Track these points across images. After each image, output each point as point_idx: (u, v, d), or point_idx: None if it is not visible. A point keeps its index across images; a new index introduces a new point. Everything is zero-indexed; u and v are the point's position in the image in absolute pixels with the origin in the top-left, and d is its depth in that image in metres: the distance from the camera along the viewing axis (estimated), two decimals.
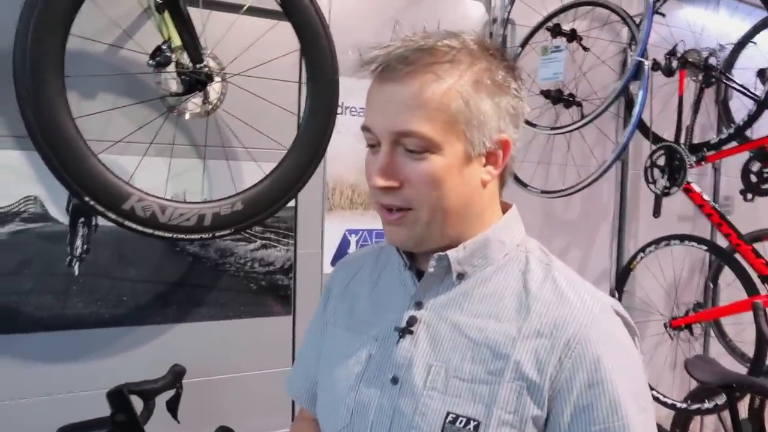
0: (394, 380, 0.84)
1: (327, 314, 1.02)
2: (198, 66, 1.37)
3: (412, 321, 0.86)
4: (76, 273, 1.56)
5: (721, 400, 2.21)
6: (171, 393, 1.52)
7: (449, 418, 0.78)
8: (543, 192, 2.18)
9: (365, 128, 0.84)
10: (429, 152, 0.79)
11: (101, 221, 1.54)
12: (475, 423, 0.77)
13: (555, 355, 0.77)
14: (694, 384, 2.44)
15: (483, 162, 0.83)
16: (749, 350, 2.76)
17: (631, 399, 0.77)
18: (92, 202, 1.29)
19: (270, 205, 1.51)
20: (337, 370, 0.91)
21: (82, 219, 1.56)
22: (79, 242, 1.57)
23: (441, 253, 0.84)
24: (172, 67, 1.40)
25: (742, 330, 2.86)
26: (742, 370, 2.47)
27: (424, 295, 0.87)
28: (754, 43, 2.68)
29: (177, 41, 1.37)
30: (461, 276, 0.86)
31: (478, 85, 0.79)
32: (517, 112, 0.84)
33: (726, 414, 2.47)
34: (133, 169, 1.53)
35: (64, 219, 1.54)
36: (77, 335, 1.57)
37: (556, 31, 2.11)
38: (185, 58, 1.40)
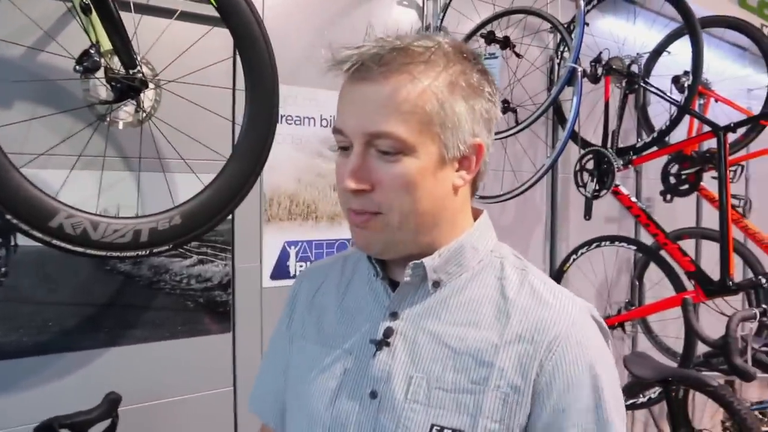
0: (373, 394, 0.81)
1: (293, 327, 0.97)
2: (131, 72, 1.29)
3: (388, 332, 0.83)
4: None
5: (654, 393, 2.30)
6: (106, 423, 1.42)
7: (434, 430, 0.76)
8: (481, 198, 2.21)
9: (337, 131, 0.81)
10: (402, 154, 0.77)
11: (21, 240, 1.42)
12: None
13: (537, 359, 0.77)
14: (625, 380, 2.54)
15: (456, 167, 0.82)
16: (673, 344, 2.91)
17: (606, 402, 0.77)
18: (15, 220, 1.18)
19: (210, 218, 1.43)
20: (309, 386, 0.87)
21: None
22: None
23: (416, 261, 0.82)
24: (101, 73, 1.31)
25: (666, 326, 3.01)
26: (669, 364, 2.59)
27: (399, 305, 0.85)
28: (668, 52, 2.84)
29: (106, 45, 1.28)
30: (437, 284, 0.84)
31: (453, 87, 0.78)
32: (491, 117, 0.83)
33: (655, 407, 2.59)
34: (57, 183, 1.41)
35: None
36: None
37: (490, 38, 2.14)
38: (115, 63, 1.30)
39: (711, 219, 3.37)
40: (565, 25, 2.13)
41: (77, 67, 1.29)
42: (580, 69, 1.88)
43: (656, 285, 2.76)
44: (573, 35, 1.96)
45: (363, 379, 0.83)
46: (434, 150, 0.78)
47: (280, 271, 1.89)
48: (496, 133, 2.17)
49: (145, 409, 1.62)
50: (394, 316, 0.84)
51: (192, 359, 1.71)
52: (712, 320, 2.47)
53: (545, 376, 0.76)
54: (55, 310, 1.51)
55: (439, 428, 0.76)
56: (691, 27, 2.23)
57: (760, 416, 2.80)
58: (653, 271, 2.92)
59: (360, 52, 0.77)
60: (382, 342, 0.82)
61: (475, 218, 0.89)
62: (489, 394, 0.76)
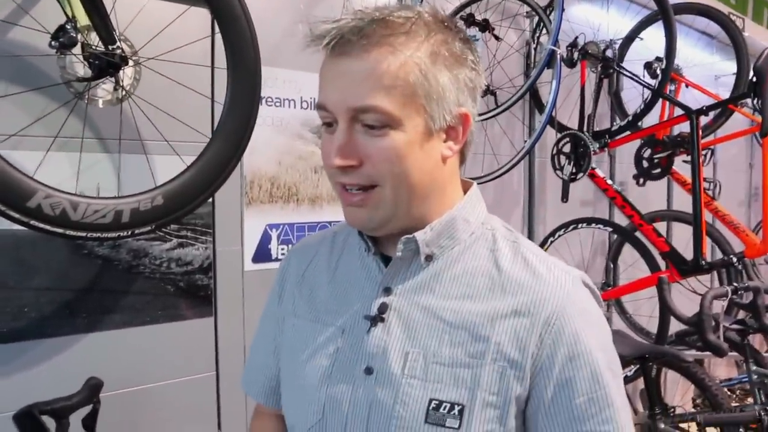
0: (368, 370, 0.81)
1: (284, 304, 0.96)
2: (110, 48, 1.25)
3: (383, 308, 0.82)
4: None
5: (630, 372, 2.35)
6: (87, 409, 1.38)
7: (432, 404, 0.77)
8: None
9: (320, 106, 0.79)
10: (389, 128, 0.76)
11: None
12: (459, 407, 0.76)
13: (535, 334, 0.77)
14: None
15: (443, 137, 0.81)
16: (646, 324, 2.97)
17: (607, 367, 0.79)
18: None
19: (193, 199, 1.41)
20: (303, 363, 0.87)
21: None
22: None
23: (408, 236, 0.82)
24: (77, 49, 1.27)
25: (639, 306, 3.07)
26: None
27: (392, 280, 0.84)
28: (641, 38, 2.89)
29: (84, 20, 1.24)
30: (429, 258, 0.83)
31: (435, 57, 0.77)
32: (475, 85, 0.83)
33: (629, 386, 2.65)
34: (30, 165, 1.37)
35: None
36: None
37: (470, 20, 2.14)
38: (93, 39, 1.27)
39: (680, 202, 3.45)
40: (543, 9, 2.14)
41: (53, 43, 1.25)
42: (559, 51, 1.89)
43: (630, 267, 2.81)
44: (551, 18, 1.97)
45: (357, 355, 0.82)
46: (420, 122, 0.77)
47: (262, 254, 1.87)
48: (478, 115, 2.22)
49: (127, 395, 1.60)
50: (387, 291, 0.83)
51: (173, 344, 1.69)
52: (682, 300, 2.53)
53: (546, 349, 0.77)
54: (32, 295, 1.46)
55: (437, 402, 0.77)
56: (664, 13, 2.27)
57: (729, 392, 2.89)
58: (627, 254, 2.98)
59: (339, 25, 0.76)
60: (377, 318, 0.82)
61: (465, 190, 0.88)
62: (486, 368, 0.77)
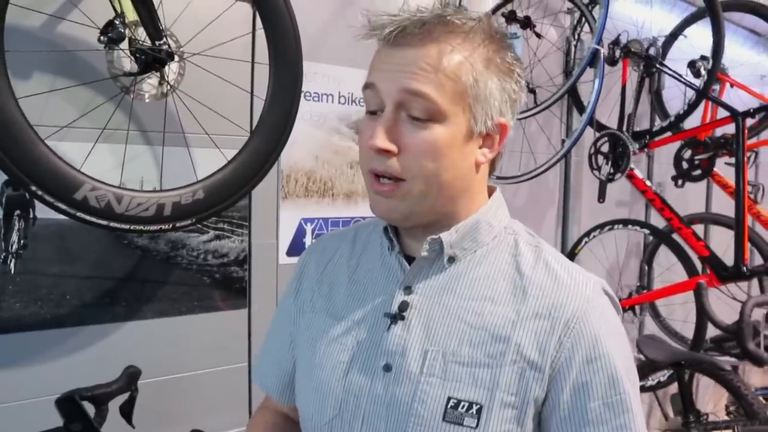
0: (387, 368, 0.81)
1: (301, 300, 0.96)
2: (157, 43, 1.26)
3: (404, 306, 0.83)
4: (13, 271, 1.41)
5: (664, 377, 2.32)
6: (125, 396, 1.41)
7: (450, 403, 0.77)
8: (499, 178, 2.19)
9: (369, 85, 0.81)
10: (433, 121, 0.77)
11: (40, 213, 1.41)
12: (478, 406, 0.77)
13: (555, 336, 0.78)
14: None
15: (480, 143, 0.83)
16: (680, 329, 2.92)
17: (624, 373, 0.79)
18: (39, 192, 1.17)
19: (233, 194, 1.42)
20: (320, 358, 0.87)
21: (18, 211, 1.41)
22: (15, 237, 1.42)
23: (434, 237, 0.83)
24: (125, 44, 1.28)
25: (673, 310, 3.02)
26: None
27: (414, 279, 0.85)
28: (685, 36, 2.81)
29: (131, 15, 1.26)
30: (452, 259, 0.84)
31: (488, 63, 0.79)
32: (517, 99, 0.84)
33: (660, 391, 2.61)
34: (76, 156, 1.39)
35: None
36: (17, 339, 1.42)
37: (511, 17, 2.11)
38: (140, 34, 1.28)
39: (719, 205, 3.37)
40: (586, 5, 2.10)
41: (101, 38, 1.27)
42: (603, 50, 1.85)
43: (666, 270, 2.76)
44: (594, 15, 1.93)
45: (376, 352, 0.83)
46: (463, 121, 0.79)
47: (296, 247, 1.89)
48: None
49: (161, 383, 1.63)
50: (408, 290, 0.84)
51: (207, 335, 1.71)
52: (717, 304, 2.48)
53: (564, 352, 0.77)
54: (74, 283, 1.50)
55: (456, 401, 0.77)
56: (712, 10, 2.20)
57: (764, 401, 2.82)
58: (662, 256, 2.93)
59: (401, 18, 0.78)
60: (397, 316, 0.83)
61: (490, 195, 0.89)
62: (505, 369, 0.77)
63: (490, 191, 0.90)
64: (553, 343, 0.77)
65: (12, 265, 1.41)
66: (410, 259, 0.86)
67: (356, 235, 0.98)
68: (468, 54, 0.78)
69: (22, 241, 1.43)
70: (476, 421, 0.76)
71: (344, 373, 0.84)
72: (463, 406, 0.77)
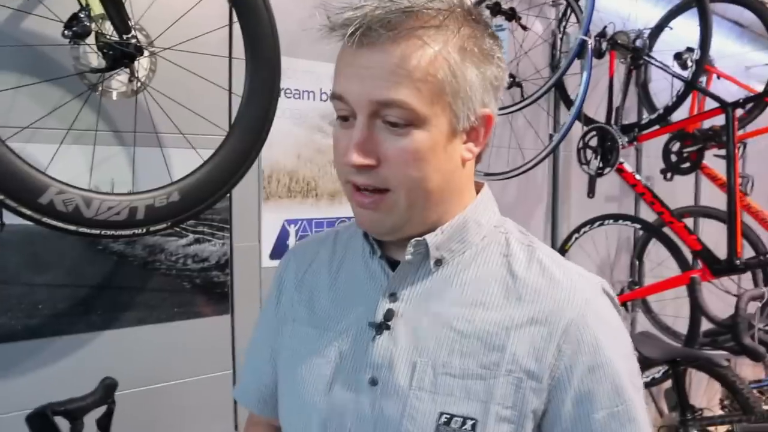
0: (373, 381, 0.76)
1: (282, 309, 0.91)
2: (125, 37, 1.20)
3: (389, 315, 0.77)
4: None
5: (659, 374, 2.29)
6: (102, 410, 1.35)
7: (443, 419, 0.72)
8: (486, 174, 2.15)
9: (337, 96, 0.73)
10: (412, 126, 0.71)
11: (8, 218, 1.33)
12: (472, 422, 0.71)
13: (553, 343, 0.72)
14: None
15: (464, 139, 0.76)
16: (671, 324, 2.90)
17: (629, 380, 0.75)
18: (2, 197, 1.10)
19: (210, 195, 1.36)
20: (302, 371, 0.82)
21: None
22: None
23: (418, 239, 0.77)
24: (91, 39, 1.22)
25: (664, 306, 2.99)
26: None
27: (399, 285, 0.79)
28: (671, 28, 2.79)
29: (97, 8, 1.19)
30: (439, 262, 0.78)
31: (464, 53, 0.72)
32: (499, 84, 0.78)
33: (653, 388, 2.58)
34: (43, 158, 1.33)
35: None
36: None
37: (496, 9, 2.06)
38: (107, 29, 1.22)
39: (708, 197, 3.35)
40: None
41: (66, 32, 1.20)
42: (590, 41, 1.81)
43: (657, 266, 2.74)
44: (581, 6, 1.89)
45: (361, 364, 0.78)
46: (445, 121, 0.73)
47: (280, 250, 1.83)
48: (502, 108, 2.15)
49: (142, 393, 1.57)
50: (393, 297, 0.79)
51: (189, 342, 1.65)
52: (709, 298, 2.45)
53: (564, 360, 0.72)
54: (46, 292, 1.43)
55: (448, 416, 0.72)
56: (699, 1, 2.18)
57: (759, 395, 2.81)
58: (652, 251, 2.90)
59: (363, 14, 0.70)
60: (382, 325, 0.77)
61: (478, 192, 0.84)
62: (500, 380, 0.72)
63: (478, 187, 0.84)
64: (551, 351, 0.72)
65: None
66: (394, 264, 0.80)
67: (336, 237, 0.92)
68: (441, 47, 0.70)
69: None
70: None
71: (327, 388, 0.79)
72: (457, 422, 0.72)
